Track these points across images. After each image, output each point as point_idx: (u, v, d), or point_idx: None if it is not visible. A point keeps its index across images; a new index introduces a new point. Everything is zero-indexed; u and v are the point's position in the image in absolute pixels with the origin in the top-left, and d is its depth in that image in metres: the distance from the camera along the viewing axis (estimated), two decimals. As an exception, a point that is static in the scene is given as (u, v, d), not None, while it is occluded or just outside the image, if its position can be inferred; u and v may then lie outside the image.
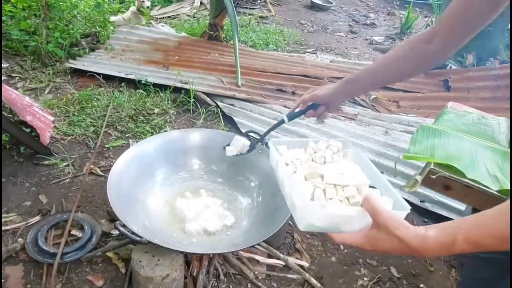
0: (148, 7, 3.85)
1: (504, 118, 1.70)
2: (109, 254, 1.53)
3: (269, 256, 1.61)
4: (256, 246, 1.60)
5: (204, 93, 2.73)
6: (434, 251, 0.66)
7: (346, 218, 0.81)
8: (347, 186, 0.89)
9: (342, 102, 1.23)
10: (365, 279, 1.63)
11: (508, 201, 0.61)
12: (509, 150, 1.47)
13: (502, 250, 0.62)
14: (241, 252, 1.57)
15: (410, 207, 0.84)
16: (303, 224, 0.86)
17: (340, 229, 0.83)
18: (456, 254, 0.66)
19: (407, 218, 0.77)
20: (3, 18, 3.08)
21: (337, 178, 0.91)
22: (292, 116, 1.26)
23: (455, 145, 1.46)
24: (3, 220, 1.63)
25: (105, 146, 2.18)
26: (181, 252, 1.33)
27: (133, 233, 1.21)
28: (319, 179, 0.93)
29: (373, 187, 0.94)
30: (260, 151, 1.65)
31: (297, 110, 1.25)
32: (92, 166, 1.99)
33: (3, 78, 2.69)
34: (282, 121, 1.26)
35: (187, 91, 2.65)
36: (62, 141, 2.17)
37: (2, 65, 2.81)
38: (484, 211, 0.65)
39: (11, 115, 2.07)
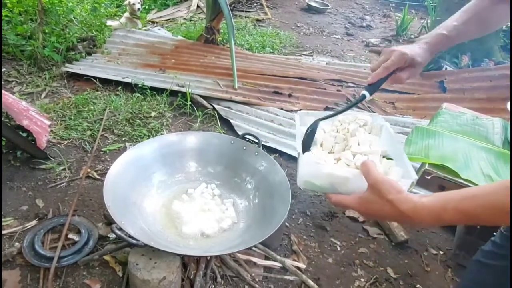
0: (139, 9, 3.86)
1: (499, 119, 1.72)
2: (106, 257, 1.53)
3: (266, 258, 1.62)
4: (253, 248, 1.60)
5: (200, 96, 2.74)
6: (424, 218, 0.66)
7: (342, 180, 0.83)
8: (349, 151, 0.92)
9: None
10: (362, 280, 1.64)
11: (507, 180, 0.60)
12: (503, 150, 1.49)
13: (494, 224, 0.61)
14: (238, 254, 1.58)
15: (416, 178, 0.84)
16: (301, 181, 0.88)
17: (337, 189, 0.85)
18: (446, 223, 0.66)
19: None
20: (-1, 23, 3.09)
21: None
22: (374, 89, 1.02)
23: (449, 145, 1.48)
24: (-1, 224, 1.63)
25: (102, 149, 2.19)
26: (178, 255, 1.33)
27: (129, 236, 1.21)
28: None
29: (390, 158, 0.95)
30: (257, 153, 1.66)
31: (376, 80, 1.01)
32: (88, 170, 1.99)
33: (-1, 82, 2.69)
34: (364, 97, 1.02)
35: (184, 94, 2.65)
36: (58, 145, 2.17)
37: (-1, 70, 2.81)
38: (479, 185, 0.65)
39: (7, 120, 2.06)
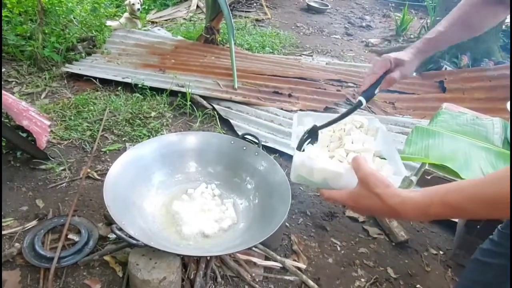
0: (139, 9, 3.86)
1: (498, 119, 1.71)
2: (106, 257, 1.53)
3: (266, 258, 1.62)
4: (253, 248, 1.60)
5: (200, 96, 2.74)
6: (411, 212, 0.66)
7: (335, 175, 0.84)
8: (343, 147, 0.93)
9: (416, 65, 1.12)
10: (362, 280, 1.64)
11: (493, 173, 0.60)
12: (503, 150, 1.49)
13: (481, 217, 0.61)
14: (238, 254, 1.58)
15: (406, 173, 0.85)
16: (294, 175, 0.90)
17: (329, 185, 0.86)
18: (433, 217, 0.65)
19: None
20: (-1, 23, 3.09)
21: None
22: (368, 95, 1.05)
23: (449, 145, 1.47)
24: (-1, 225, 1.63)
25: (102, 150, 2.19)
26: (178, 255, 1.33)
27: (130, 236, 1.21)
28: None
29: (384, 158, 0.96)
30: (256, 153, 1.66)
31: (368, 85, 1.04)
32: (88, 170, 1.99)
33: (-1, 83, 2.69)
34: (360, 103, 1.04)
35: (183, 95, 2.65)
36: (58, 146, 2.17)
37: (-2, 70, 2.81)
38: (467, 179, 0.64)
39: (7, 120, 2.06)
